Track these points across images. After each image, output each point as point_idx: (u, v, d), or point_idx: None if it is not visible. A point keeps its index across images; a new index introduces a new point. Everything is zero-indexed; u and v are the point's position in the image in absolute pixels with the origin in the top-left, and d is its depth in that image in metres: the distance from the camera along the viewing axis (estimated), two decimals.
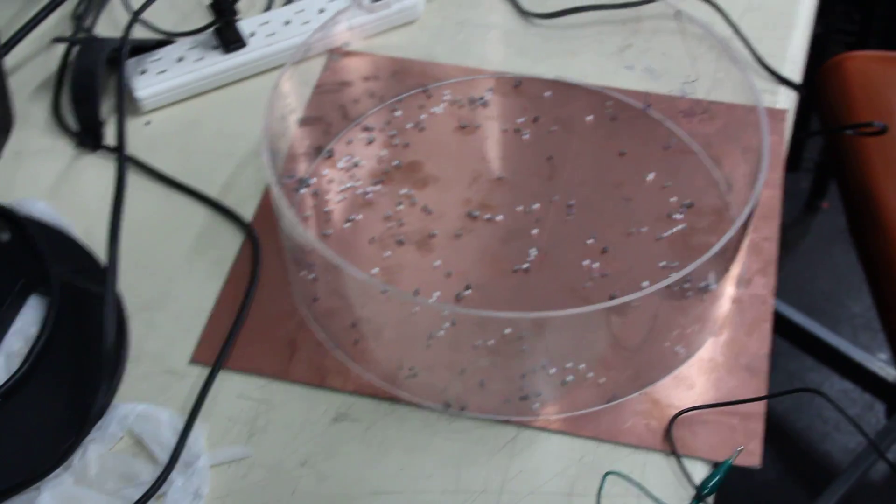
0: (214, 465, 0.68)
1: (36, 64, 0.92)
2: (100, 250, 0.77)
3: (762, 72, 0.88)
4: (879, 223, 1.10)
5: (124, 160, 0.71)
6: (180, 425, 0.69)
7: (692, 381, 0.71)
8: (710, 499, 0.66)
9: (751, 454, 0.68)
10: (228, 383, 0.72)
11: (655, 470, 0.67)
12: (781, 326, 1.53)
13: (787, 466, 1.48)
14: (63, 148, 0.86)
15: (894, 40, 1.64)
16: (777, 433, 1.49)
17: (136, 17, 0.77)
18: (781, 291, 1.58)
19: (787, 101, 0.86)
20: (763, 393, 0.71)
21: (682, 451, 0.68)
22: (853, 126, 1.10)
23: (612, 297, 0.68)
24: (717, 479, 0.66)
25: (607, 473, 0.63)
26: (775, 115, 0.85)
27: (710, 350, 0.73)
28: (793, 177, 1.74)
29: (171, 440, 0.69)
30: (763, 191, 0.80)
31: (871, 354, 1.46)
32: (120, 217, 0.71)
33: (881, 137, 1.12)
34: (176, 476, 0.67)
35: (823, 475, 1.39)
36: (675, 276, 0.63)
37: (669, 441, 0.68)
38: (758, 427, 0.69)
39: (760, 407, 0.70)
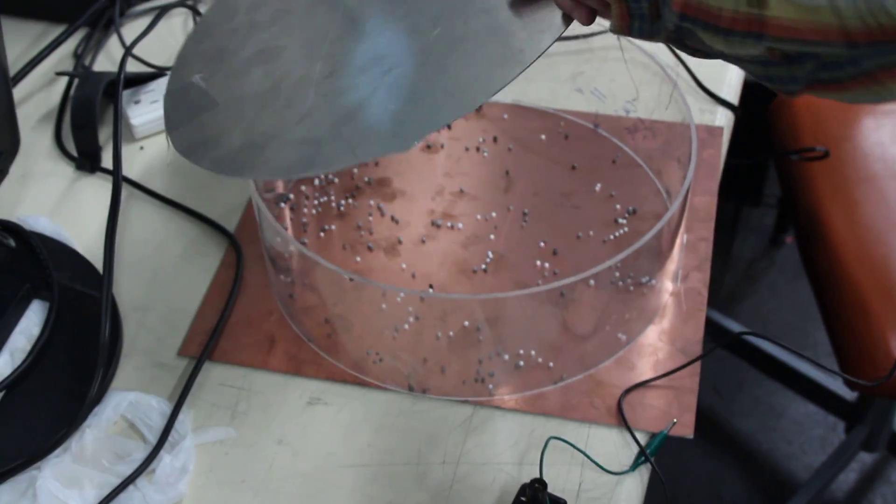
0: (199, 444, 0.75)
1: (40, 96, 1.01)
2: (96, 259, 0.85)
3: (702, 94, 0.96)
4: (826, 243, 1.17)
5: (119, 179, 0.80)
6: (168, 410, 0.77)
7: (633, 364, 0.79)
8: (647, 467, 0.73)
9: (684, 426, 0.75)
10: (213, 373, 0.80)
11: (598, 441, 0.74)
12: (749, 354, 1.60)
13: (753, 485, 1.54)
14: (64, 171, 0.94)
15: None
16: (743, 453, 1.55)
17: (129, 51, 0.86)
18: (749, 322, 1.66)
19: (724, 120, 0.95)
20: (697, 373, 0.78)
21: (625, 425, 0.75)
22: (798, 151, 1.18)
23: (561, 293, 0.76)
24: (653, 446, 0.73)
25: (550, 438, 0.70)
26: (712, 131, 0.93)
27: (649, 336, 0.80)
28: (757, 213, 1.82)
29: (160, 423, 0.76)
30: (699, 197, 0.88)
31: (832, 378, 1.53)
32: (115, 228, 0.79)
33: (826, 162, 1.20)
34: (164, 454, 0.74)
35: (788, 494, 1.45)
36: (598, 267, 0.71)
37: (620, 414, 0.75)
38: (691, 402, 0.76)
39: (693, 385, 0.77)
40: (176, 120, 0.74)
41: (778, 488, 1.52)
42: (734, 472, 1.53)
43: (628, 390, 0.76)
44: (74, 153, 0.94)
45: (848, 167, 1.22)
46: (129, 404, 0.77)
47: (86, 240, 0.88)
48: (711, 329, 1.60)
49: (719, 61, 0.99)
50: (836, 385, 1.51)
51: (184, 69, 0.77)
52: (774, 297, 1.73)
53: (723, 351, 1.64)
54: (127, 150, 0.95)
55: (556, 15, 0.67)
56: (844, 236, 1.17)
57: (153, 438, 0.75)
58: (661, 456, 0.74)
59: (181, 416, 0.76)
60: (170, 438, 0.75)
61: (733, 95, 0.97)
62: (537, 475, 0.70)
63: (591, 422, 0.75)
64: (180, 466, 0.74)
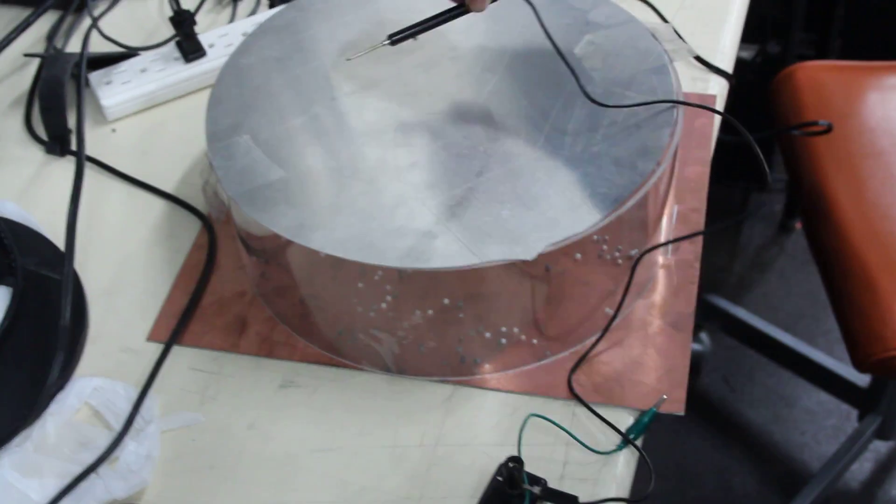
0: (166, 430, 0.72)
1: (11, 81, 0.98)
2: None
3: (693, 62, 0.93)
4: (832, 221, 1.13)
5: (83, 157, 0.77)
6: (135, 396, 0.73)
7: (620, 339, 0.75)
8: (639, 445, 0.69)
9: (675, 402, 0.71)
10: (182, 358, 0.76)
11: (584, 420, 0.70)
12: (758, 342, 1.56)
13: (764, 476, 1.50)
14: (34, 155, 0.91)
15: (851, 56, 1.69)
16: (755, 444, 1.51)
17: (95, 23, 0.83)
18: (758, 311, 1.62)
19: (717, 88, 0.91)
20: (688, 347, 0.74)
21: (613, 402, 0.71)
22: (799, 126, 1.14)
23: (546, 267, 0.72)
24: (642, 424, 0.69)
25: (530, 415, 0.67)
26: (705, 99, 0.89)
27: (638, 311, 0.76)
28: (766, 198, 1.78)
29: (125, 410, 0.73)
30: (691, 167, 0.85)
31: (846, 364, 1.49)
32: (77, 206, 0.76)
33: (829, 138, 1.16)
34: (129, 441, 0.71)
35: (801, 484, 1.40)
36: (580, 234, 0.68)
37: (602, 392, 0.71)
38: (682, 378, 0.72)
39: (685, 360, 0.73)
40: (235, 179, 0.73)
41: (791, 479, 1.47)
42: (746, 464, 1.49)
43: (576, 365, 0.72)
44: (44, 137, 0.91)
45: (853, 143, 1.18)
46: (93, 391, 0.74)
47: (55, 224, 0.84)
48: (720, 317, 1.57)
49: (713, 28, 0.96)
50: (849, 372, 1.46)
51: (218, 124, 0.78)
52: (784, 284, 1.69)
53: (732, 341, 1.60)
54: (98, 133, 0.92)
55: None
56: (850, 213, 1.13)
57: (118, 425, 0.72)
58: (669, 446, 0.70)
59: (147, 402, 0.73)
60: (135, 425, 0.72)
61: (728, 63, 0.93)
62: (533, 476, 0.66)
63: (576, 400, 0.71)
64: (145, 454, 0.71)
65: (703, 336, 1.60)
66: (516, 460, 0.63)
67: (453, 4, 0.80)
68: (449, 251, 0.67)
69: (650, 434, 0.70)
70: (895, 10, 1.60)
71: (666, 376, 0.72)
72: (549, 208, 0.69)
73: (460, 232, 0.68)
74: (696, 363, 1.59)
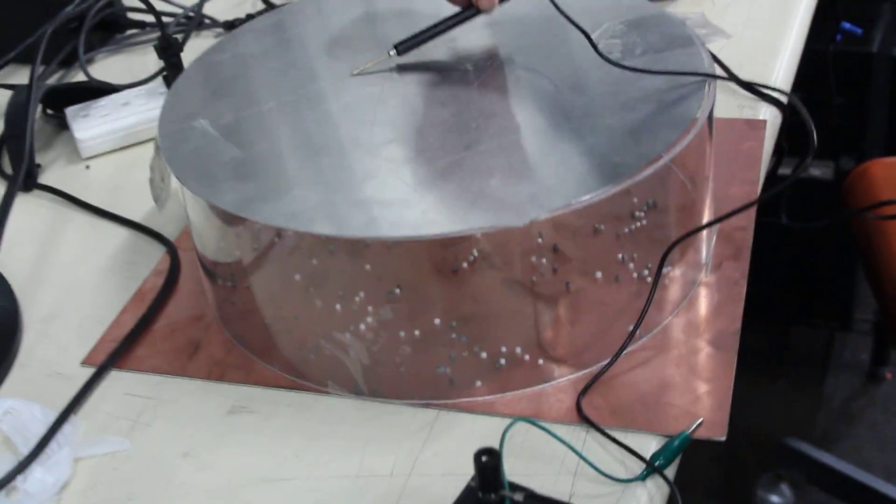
0: (82, 457, 0.59)
1: None
2: (22, 278, 0.72)
3: (741, 91, 0.81)
4: None
5: (32, 162, 0.68)
6: (53, 420, 0.60)
7: (647, 359, 0.60)
8: (670, 476, 0.54)
9: (716, 426, 0.55)
10: (119, 382, 0.64)
11: (596, 448, 0.55)
12: (850, 493, 1.36)
13: None
14: None
15: None
16: None
17: (82, 63, 0.75)
18: (850, 462, 1.42)
19: (768, 115, 0.79)
20: (732, 370, 0.59)
21: (634, 426, 0.56)
22: (875, 205, 1.00)
23: (567, 286, 0.59)
24: (672, 449, 0.54)
25: (516, 419, 0.51)
26: (754, 124, 0.77)
27: (671, 329, 0.62)
28: (852, 344, 1.60)
29: (39, 434, 0.60)
30: (737, 187, 0.73)
31: None
32: (6, 216, 0.67)
33: None
34: (35, 468, 0.58)
35: None
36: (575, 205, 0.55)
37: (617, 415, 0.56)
38: (724, 399, 0.57)
39: (728, 380, 0.58)
40: (183, 160, 0.63)
41: None
42: None
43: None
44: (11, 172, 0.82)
45: None
46: (4, 413, 0.61)
47: (13, 258, 0.74)
48: (804, 465, 1.38)
49: (764, 59, 0.85)
50: None
51: (174, 111, 0.68)
52: (876, 437, 1.49)
53: (820, 494, 1.40)
54: (71, 169, 0.83)
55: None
56: None
57: (27, 450, 0.59)
58: None
59: (67, 428, 0.60)
60: (48, 451, 0.59)
61: (780, 91, 0.82)
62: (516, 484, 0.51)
63: (590, 425, 0.56)
64: (52, 482, 0.57)
65: (785, 488, 1.40)
66: (490, 453, 0.47)
67: (458, 9, 0.71)
68: (422, 220, 0.55)
69: None
70: None
71: (705, 397, 0.57)
72: (548, 177, 0.57)
73: (438, 201, 0.56)
74: None
